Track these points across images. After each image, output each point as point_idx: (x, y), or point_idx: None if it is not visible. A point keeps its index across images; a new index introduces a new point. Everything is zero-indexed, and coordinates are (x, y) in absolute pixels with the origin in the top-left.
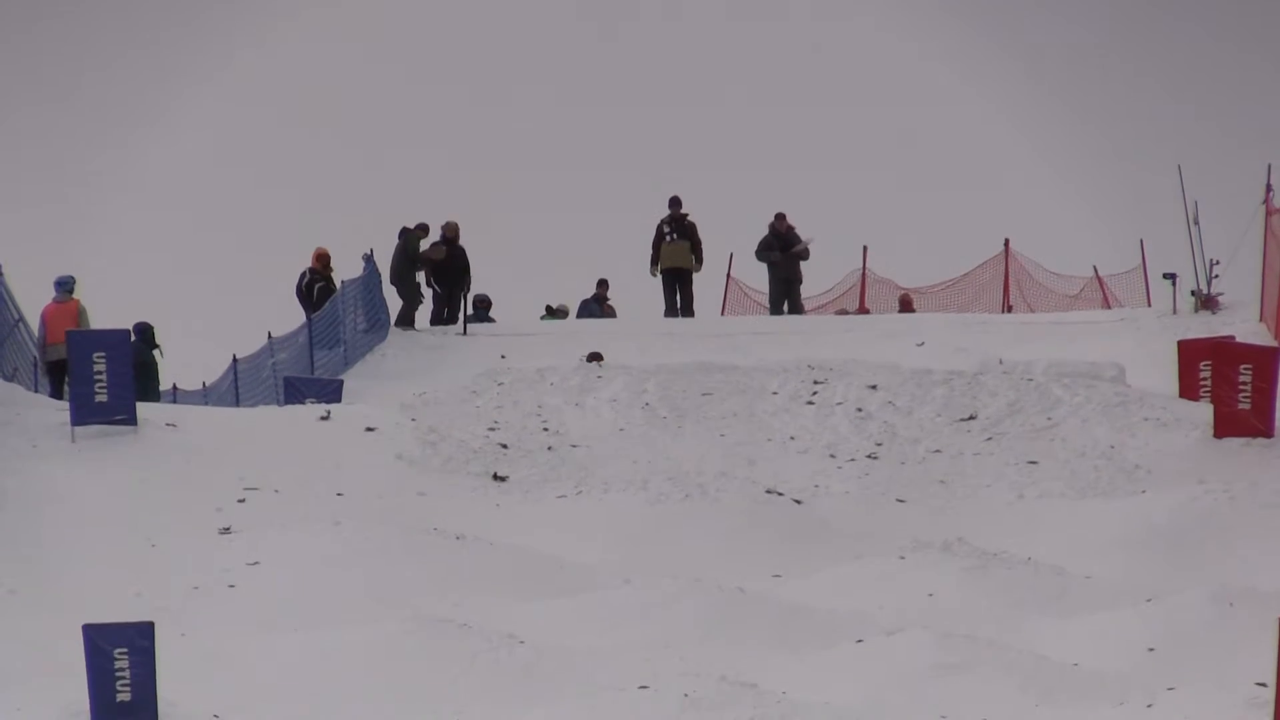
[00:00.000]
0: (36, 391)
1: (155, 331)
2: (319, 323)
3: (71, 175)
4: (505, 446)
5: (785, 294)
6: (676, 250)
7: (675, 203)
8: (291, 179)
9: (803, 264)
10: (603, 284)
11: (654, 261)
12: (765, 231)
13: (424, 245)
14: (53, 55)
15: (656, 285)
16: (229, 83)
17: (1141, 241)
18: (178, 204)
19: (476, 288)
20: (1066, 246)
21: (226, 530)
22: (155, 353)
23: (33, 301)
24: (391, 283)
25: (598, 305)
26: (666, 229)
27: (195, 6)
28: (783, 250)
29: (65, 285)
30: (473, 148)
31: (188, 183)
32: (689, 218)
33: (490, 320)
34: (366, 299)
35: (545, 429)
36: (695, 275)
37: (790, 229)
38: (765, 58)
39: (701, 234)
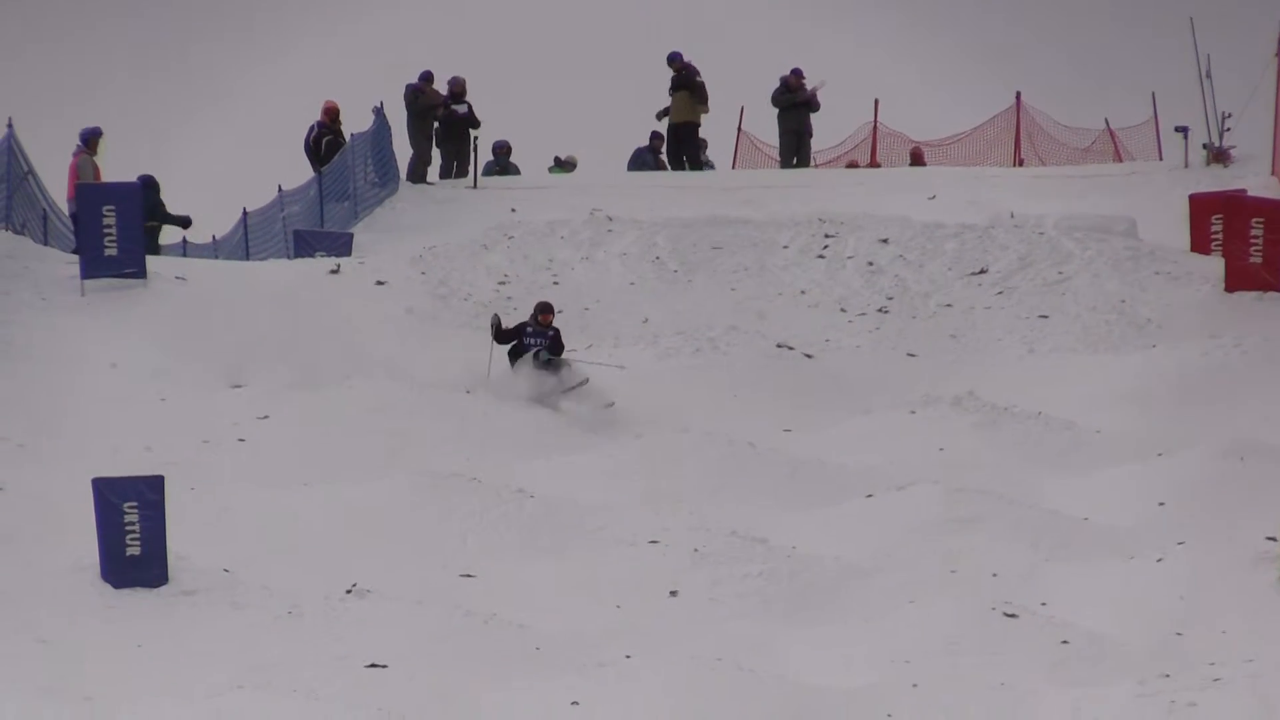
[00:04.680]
0: (46, 244)
1: (159, 186)
2: (329, 176)
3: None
4: (514, 300)
5: (795, 147)
6: (678, 102)
7: (672, 59)
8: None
9: (813, 117)
10: (657, 136)
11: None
12: (777, 84)
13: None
14: None
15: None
16: None
17: (1153, 94)
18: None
19: (494, 136)
20: (1078, 100)
21: (238, 386)
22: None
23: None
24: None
25: (652, 156)
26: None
27: None
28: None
29: (82, 137)
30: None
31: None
32: (684, 69)
33: (512, 166)
34: (376, 152)
35: (556, 283)
36: (706, 119)
37: (802, 86)
38: None
39: (711, 87)
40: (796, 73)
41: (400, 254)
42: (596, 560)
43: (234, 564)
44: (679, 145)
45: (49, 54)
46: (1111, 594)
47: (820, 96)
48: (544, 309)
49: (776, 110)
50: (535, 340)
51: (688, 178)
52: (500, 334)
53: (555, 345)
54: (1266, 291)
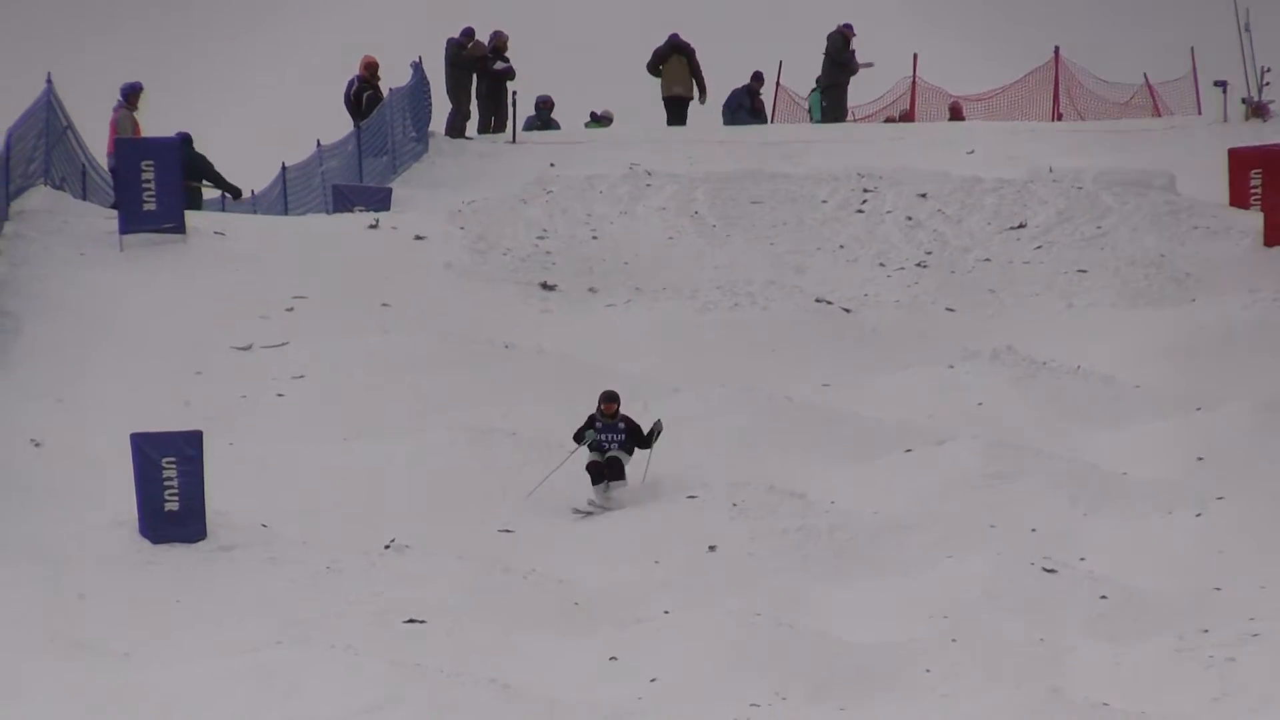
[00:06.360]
0: (85, 199)
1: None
2: (367, 131)
3: None
4: (553, 254)
5: (837, 101)
6: (674, 71)
7: (673, 38)
8: None
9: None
10: (757, 77)
11: (652, 71)
12: (834, 30)
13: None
14: None
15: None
16: None
17: (1192, 49)
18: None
19: (536, 91)
20: (1117, 54)
21: (282, 344)
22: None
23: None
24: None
25: (749, 98)
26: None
27: None
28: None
29: (123, 92)
30: None
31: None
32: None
33: (553, 122)
34: (415, 107)
35: (594, 237)
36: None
37: (852, 50)
38: None
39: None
40: (849, 26)
41: (439, 209)
42: (634, 515)
43: (272, 519)
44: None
45: (88, 9)
46: (1150, 549)
47: (862, 72)
48: (606, 399)
49: (823, 61)
50: (606, 437)
51: (727, 131)
52: (579, 437)
53: (630, 441)
54: None
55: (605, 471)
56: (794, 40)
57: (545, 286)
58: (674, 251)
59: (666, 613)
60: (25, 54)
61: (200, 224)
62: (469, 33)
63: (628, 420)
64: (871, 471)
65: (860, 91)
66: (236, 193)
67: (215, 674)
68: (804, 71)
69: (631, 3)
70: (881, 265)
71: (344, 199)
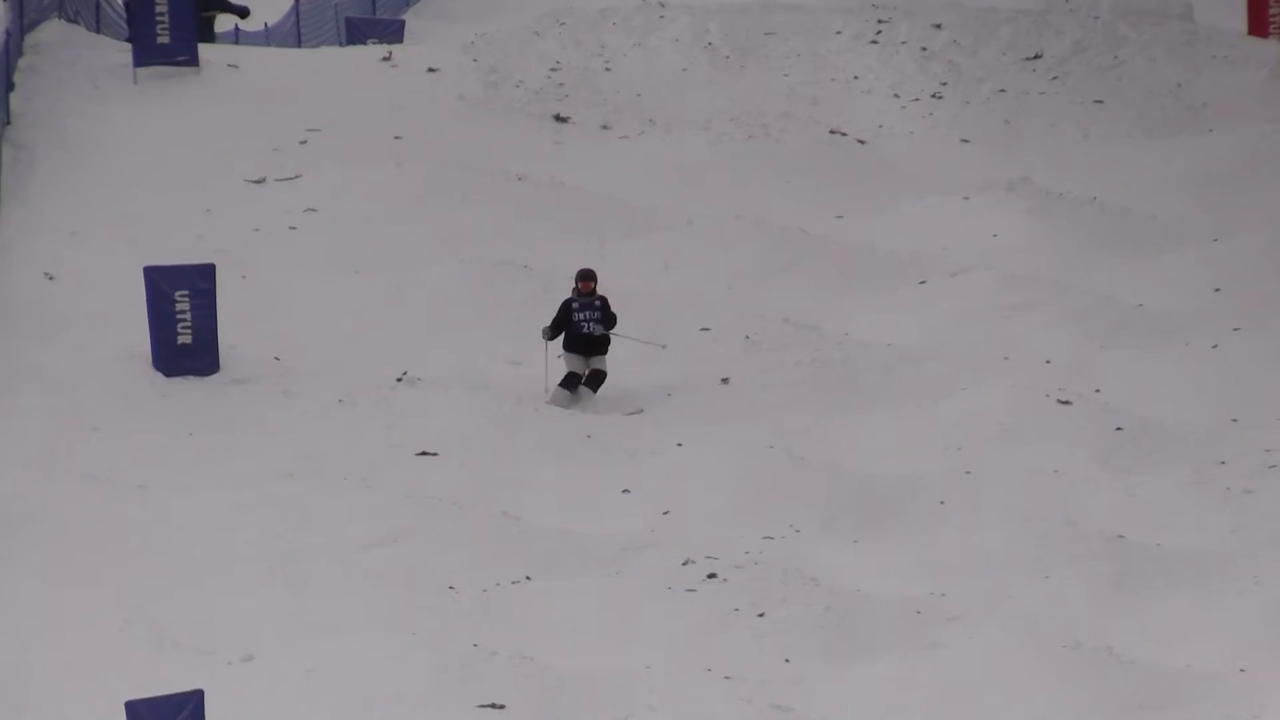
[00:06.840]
0: (99, 33)
1: None
2: None
3: None
4: (565, 86)
5: None
6: None
7: None
8: None
9: None
10: None
11: None
12: None
13: None
14: None
15: None
16: None
17: None
18: None
19: None
20: None
21: (295, 177)
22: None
23: None
24: None
25: None
26: None
27: None
28: None
29: None
30: None
31: None
32: None
33: None
34: None
35: (608, 69)
36: None
37: None
38: None
39: None
40: None
41: (452, 40)
42: (646, 349)
43: (285, 352)
44: None
45: None
46: (1166, 380)
47: None
48: (583, 276)
49: None
50: (585, 315)
51: None
52: (553, 331)
53: (606, 320)
54: None
55: (585, 381)
56: None
57: (558, 119)
58: (687, 83)
59: (679, 445)
60: None
61: (213, 57)
62: None
63: (603, 299)
64: (886, 303)
65: None
66: (245, 12)
67: (229, 505)
68: None
69: None
70: (896, 96)
71: (357, 31)
